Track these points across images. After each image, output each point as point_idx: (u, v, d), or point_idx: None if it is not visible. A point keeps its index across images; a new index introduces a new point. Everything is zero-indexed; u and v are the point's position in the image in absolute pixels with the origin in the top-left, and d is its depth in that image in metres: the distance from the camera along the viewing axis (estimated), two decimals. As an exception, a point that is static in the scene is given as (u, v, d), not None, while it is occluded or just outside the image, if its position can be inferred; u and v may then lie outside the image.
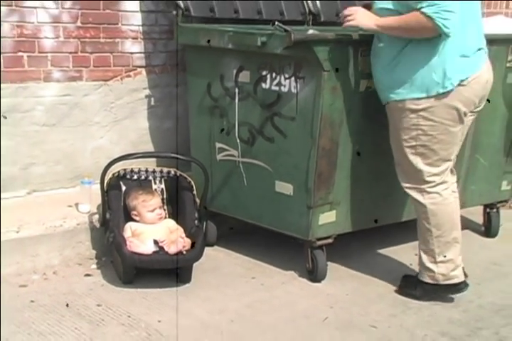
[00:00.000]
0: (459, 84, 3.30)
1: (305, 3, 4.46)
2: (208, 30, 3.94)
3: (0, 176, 3.96)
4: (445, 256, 3.51)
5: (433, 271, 3.54)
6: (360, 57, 3.55)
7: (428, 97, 3.30)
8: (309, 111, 3.54)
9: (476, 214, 4.75)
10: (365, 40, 3.48)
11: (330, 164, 3.62)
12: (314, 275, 3.77)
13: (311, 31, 3.43)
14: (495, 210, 4.65)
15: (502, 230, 4.67)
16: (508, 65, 4.20)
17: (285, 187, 3.73)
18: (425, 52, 3.29)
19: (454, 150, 3.52)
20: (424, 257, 3.56)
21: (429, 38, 3.25)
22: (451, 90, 3.29)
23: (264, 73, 3.71)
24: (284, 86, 3.63)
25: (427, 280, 3.57)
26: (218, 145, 4.03)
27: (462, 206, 4.39)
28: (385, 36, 3.35)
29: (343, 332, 3.26)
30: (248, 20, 4.05)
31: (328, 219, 3.71)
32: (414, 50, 3.30)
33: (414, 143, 3.42)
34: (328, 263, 3.78)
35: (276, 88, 3.67)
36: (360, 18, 3.39)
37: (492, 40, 3.98)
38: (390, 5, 3.30)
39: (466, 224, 4.73)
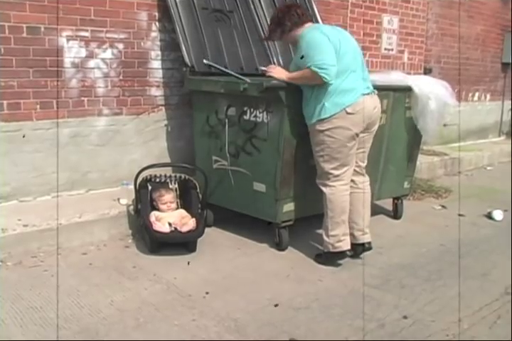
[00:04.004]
0: (349, 113, 3.25)
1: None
2: (206, 80, 3.89)
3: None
4: (334, 232, 3.43)
5: (327, 242, 3.46)
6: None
7: (322, 120, 3.26)
8: (276, 135, 3.50)
9: (388, 204, 4.69)
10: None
11: (290, 171, 3.58)
12: (280, 246, 3.71)
13: (275, 81, 3.41)
14: (400, 201, 4.60)
15: (404, 214, 4.63)
16: (406, 105, 4.18)
17: (260, 187, 3.68)
18: (313, 93, 3.29)
19: (351, 158, 3.42)
20: (323, 232, 3.49)
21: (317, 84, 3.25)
22: (335, 114, 3.24)
23: (245, 109, 3.65)
24: (259, 117, 3.58)
25: (325, 249, 3.50)
26: (214, 158, 3.96)
27: (378, 198, 4.43)
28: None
29: (300, 284, 3.22)
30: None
31: (289, 208, 3.66)
32: (309, 92, 3.31)
33: (322, 154, 3.37)
34: (289, 237, 3.72)
35: (254, 119, 3.62)
36: (276, 72, 3.47)
37: (395, 89, 4.06)
38: (296, 66, 3.34)
39: (381, 210, 4.72)
